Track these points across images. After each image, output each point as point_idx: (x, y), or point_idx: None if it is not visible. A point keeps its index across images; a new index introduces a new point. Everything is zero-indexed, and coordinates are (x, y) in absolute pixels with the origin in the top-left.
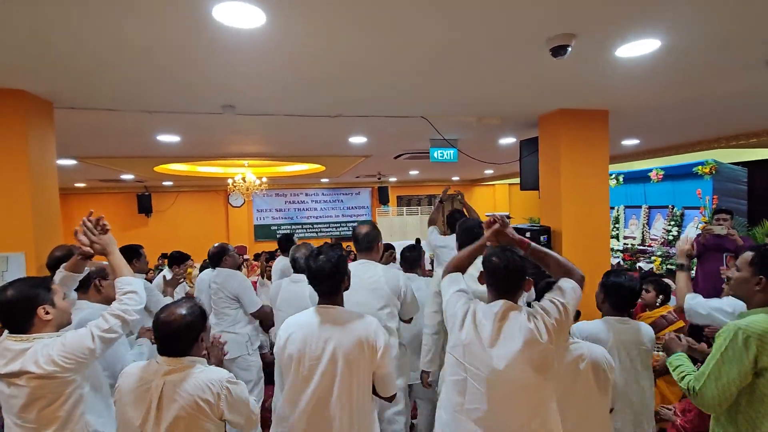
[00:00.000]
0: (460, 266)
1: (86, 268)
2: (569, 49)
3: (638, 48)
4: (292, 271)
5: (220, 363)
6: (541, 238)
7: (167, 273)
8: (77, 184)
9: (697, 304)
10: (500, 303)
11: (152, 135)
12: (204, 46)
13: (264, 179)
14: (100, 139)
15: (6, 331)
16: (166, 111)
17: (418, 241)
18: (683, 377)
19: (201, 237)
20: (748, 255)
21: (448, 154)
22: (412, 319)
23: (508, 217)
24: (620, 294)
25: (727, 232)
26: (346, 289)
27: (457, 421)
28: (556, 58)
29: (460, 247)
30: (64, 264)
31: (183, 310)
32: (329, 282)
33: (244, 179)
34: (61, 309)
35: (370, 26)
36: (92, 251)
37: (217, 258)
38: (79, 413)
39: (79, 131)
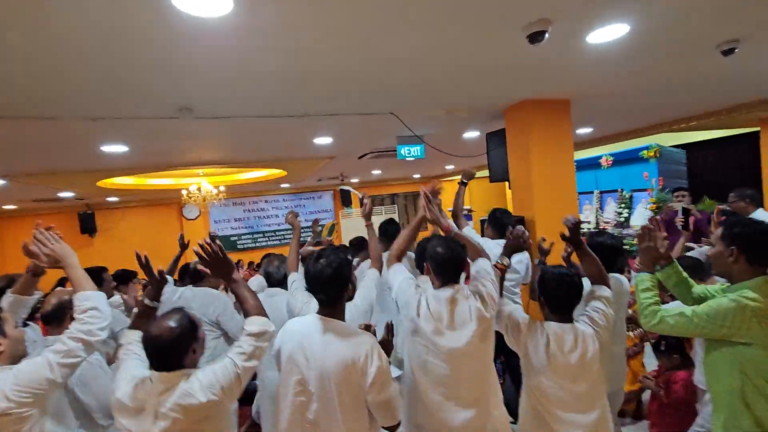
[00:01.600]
0: (402, 252)
1: (37, 291)
2: (546, 35)
3: (608, 33)
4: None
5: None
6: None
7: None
8: (6, 207)
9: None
10: (450, 290)
11: (95, 146)
12: (161, 39)
13: (222, 188)
14: (33, 153)
15: None
16: (112, 117)
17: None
18: (650, 303)
19: (154, 254)
20: (719, 231)
21: (415, 150)
22: None
23: (470, 211)
24: (603, 253)
25: (688, 206)
26: (350, 299)
27: (426, 397)
28: (534, 45)
29: None
30: (10, 289)
31: (171, 323)
32: (328, 290)
33: (199, 189)
34: (14, 338)
35: (341, 15)
36: (44, 265)
37: (199, 275)
38: None
39: (6, 145)
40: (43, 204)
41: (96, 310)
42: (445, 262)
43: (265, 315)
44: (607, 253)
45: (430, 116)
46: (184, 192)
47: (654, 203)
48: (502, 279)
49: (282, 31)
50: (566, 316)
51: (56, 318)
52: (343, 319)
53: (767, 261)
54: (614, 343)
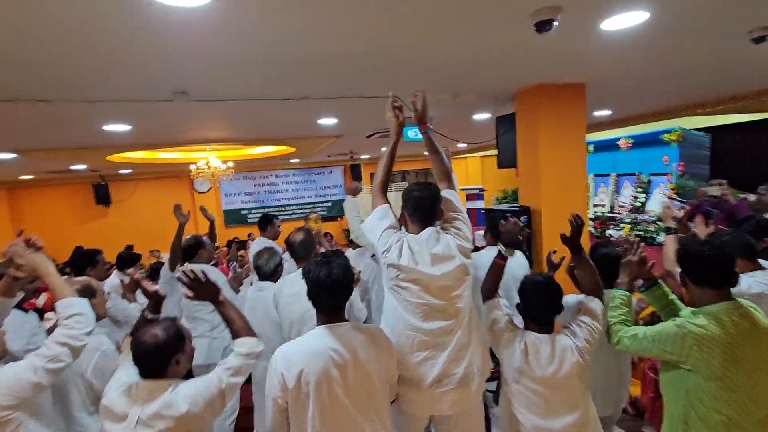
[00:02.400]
0: (384, 183)
1: (20, 293)
2: (555, 24)
3: (625, 20)
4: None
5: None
6: (521, 218)
7: (120, 276)
8: (23, 177)
9: None
10: (428, 231)
11: (98, 125)
12: (142, 29)
13: (230, 164)
14: (39, 131)
15: None
16: (109, 100)
17: None
18: (615, 323)
19: (166, 226)
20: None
21: None
22: None
23: (481, 190)
24: (606, 265)
25: (722, 193)
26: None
27: (413, 337)
28: (541, 34)
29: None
30: None
31: (158, 331)
32: (344, 293)
33: (208, 165)
34: None
35: None
36: (23, 276)
37: (191, 252)
38: None
39: (12, 124)
40: (58, 175)
41: (81, 315)
42: (420, 203)
43: (253, 335)
44: (611, 264)
45: (435, 100)
46: (192, 167)
47: (673, 189)
48: (500, 273)
49: (267, 18)
50: (546, 327)
51: None
52: (346, 319)
53: (711, 279)
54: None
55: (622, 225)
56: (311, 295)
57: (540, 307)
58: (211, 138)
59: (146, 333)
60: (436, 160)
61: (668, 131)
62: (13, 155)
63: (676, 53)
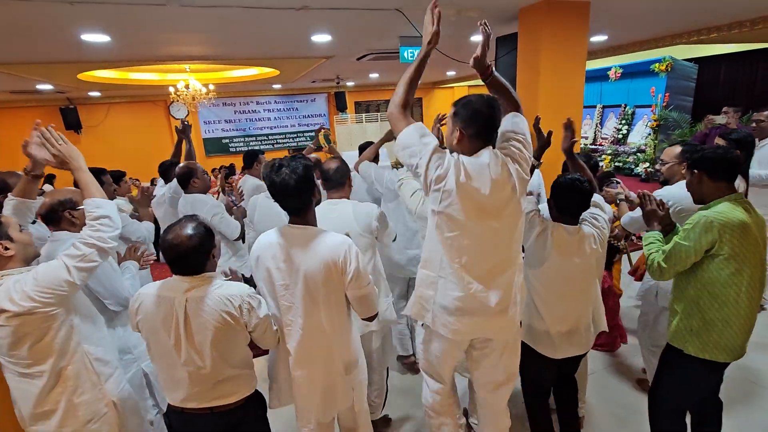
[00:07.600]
0: (407, 105)
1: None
2: None
3: None
4: (264, 187)
5: None
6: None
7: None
8: None
9: (630, 220)
10: (486, 153)
11: (75, 33)
12: None
13: (211, 86)
14: (9, 39)
15: None
16: (93, 2)
17: None
18: (651, 254)
19: (144, 153)
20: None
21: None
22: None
23: None
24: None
25: (726, 121)
26: (318, 203)
27: (457, 275)
28: None
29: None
30: (12, 192)
31: (189, 231)
32: (296, 198)
33: (187, 87)
34: (22, 242)
35: None
36: (53, 164)
37: (184, 181)
38: (74, 344)
39: None
40: (22, 96)
41: (108, 218)
42: (482, 116)
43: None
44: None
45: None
46: (171, 89)
47: (655, 121)
48: None
49: None
50: (574, 220)
51: (51, 220)
52: (314, 224)
53: (727, 174)
54: None
55: (603, 156)
56: (276, 199)
57: (573, 206)
58: (193, 54)
59: (178, 235)
60: (508, 98)
61: (658, 60)
62: None
63: None
